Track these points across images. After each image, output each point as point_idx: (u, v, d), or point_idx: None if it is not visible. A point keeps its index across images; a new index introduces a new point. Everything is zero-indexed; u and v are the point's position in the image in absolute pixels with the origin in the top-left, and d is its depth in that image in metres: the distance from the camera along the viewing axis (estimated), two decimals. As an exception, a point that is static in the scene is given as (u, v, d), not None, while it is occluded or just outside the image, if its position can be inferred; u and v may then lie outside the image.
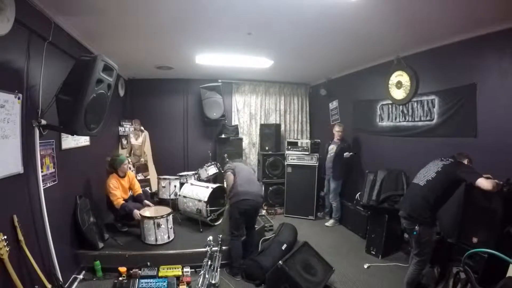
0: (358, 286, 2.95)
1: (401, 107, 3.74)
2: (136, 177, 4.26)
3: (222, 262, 3.01)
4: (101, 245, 3.13)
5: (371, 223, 3.70)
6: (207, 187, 3.93)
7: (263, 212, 5.05)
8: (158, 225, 3.27)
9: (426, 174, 2.49)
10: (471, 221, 2.59)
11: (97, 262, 2.96)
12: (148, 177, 5.12)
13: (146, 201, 3.76)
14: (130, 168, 3.93)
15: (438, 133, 3.23)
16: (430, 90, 3.33)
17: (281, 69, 4.81)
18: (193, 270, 3.05)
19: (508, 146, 2.53)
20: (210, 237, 2.92)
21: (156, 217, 3.29)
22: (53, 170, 2.56)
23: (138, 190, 3.93)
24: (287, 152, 5.15)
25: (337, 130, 4.64)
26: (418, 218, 2.37)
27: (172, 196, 4.35)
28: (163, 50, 3.75)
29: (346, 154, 4.49)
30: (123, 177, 3.76)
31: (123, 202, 3.53)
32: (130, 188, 3.89)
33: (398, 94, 3.73)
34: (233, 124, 5.92)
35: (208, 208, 3.72)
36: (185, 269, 2.98)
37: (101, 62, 2.07)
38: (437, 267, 2.85)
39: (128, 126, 5.26)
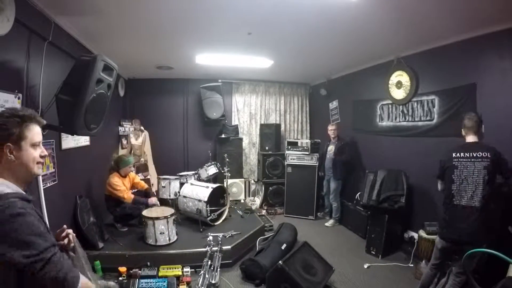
0: (358, 286, 2.94)
1: (401, 107, 3.74)
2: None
3: (222, 262, 3.01)
4: (101, 245, 3.12)
5: (371, 223, 3.70)
6: (207, 187, 3.92)
7: (263, 212, 5.06)
8: (161, 226, 3.26)
9: (475, 191, 2.14)
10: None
11: (97, 262, 2.95)
12: (148, 177, 5.12)
13: (153, 198, 3.78)
14: (132, 171, 3.96)
15: (438, 133, 3.23)
16: (430, 90, 3.33)
17: (281, 69, 4.80)
18: (193, 270, 3.04)
19: (508, 146, 2.52)
20: (210, 237, 2.92)
21: (158, 218, 3.28)
22: (53, 170, 2.56)
23: (144, 185, 4.02)
24: (287, 152, 5.15)
25: (330, 129, 4.72)
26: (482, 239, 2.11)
27: (172, 196, 4.35)
28: (163, 50, 3.75)
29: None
30: (124, 177, 3.77)
31: (133, 195, 3.61)
32: (133, 188, 3.91)
33: (398, 94, 3.73)
34: (233, 124, 5.92)
35: (208, 208, 3.72)
36: (185, 269, 2.97)
37: (101, 62, 2.08)
38: (437, 267, 2.83)
39: (128, 126, 5.25)
